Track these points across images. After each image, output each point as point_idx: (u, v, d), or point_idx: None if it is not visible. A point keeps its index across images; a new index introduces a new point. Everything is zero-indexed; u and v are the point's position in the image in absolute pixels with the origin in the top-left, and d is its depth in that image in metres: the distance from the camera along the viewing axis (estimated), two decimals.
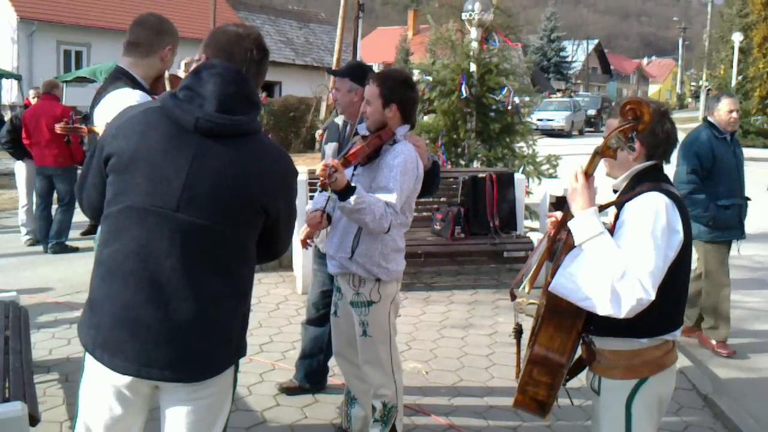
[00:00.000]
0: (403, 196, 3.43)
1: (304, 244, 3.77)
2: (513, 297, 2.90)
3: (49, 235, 8.86)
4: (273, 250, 2.50)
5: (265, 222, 2.31)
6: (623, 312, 2.38)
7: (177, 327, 2.17)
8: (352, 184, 3.26)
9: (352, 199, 3.20)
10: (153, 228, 2.17)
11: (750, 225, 11.09)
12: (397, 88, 3.51)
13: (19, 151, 9.05)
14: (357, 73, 4.05)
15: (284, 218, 2.39)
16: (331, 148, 4.32)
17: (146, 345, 2.16)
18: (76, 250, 8.87)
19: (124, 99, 3.11)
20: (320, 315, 4.54)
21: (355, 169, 3.54)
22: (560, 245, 2.66)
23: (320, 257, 4.43)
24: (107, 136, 2.27)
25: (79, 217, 10.66)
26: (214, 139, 2.18)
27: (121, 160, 2.20)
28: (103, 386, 2.26)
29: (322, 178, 3.17)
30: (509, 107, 8.74)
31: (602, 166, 2.65)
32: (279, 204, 2.32)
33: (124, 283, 2.18)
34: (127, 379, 2.21)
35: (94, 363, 2.24)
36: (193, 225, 2.17)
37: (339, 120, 4.38)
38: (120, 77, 3.32)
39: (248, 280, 2.37)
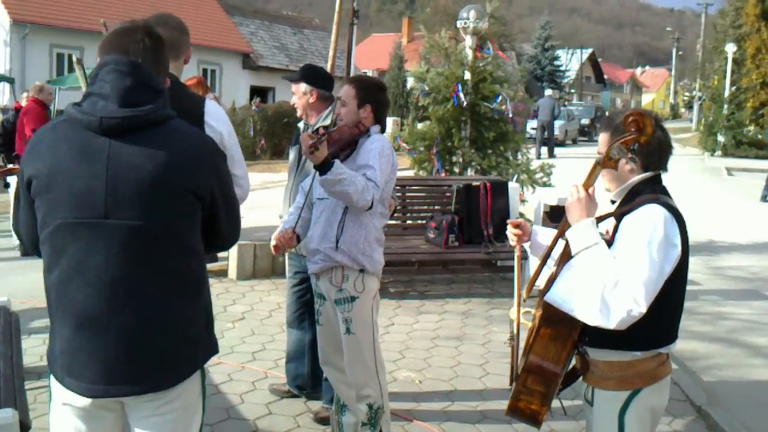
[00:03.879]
0: (382, 176, 3.51)
1: (277, 250, 3.83)
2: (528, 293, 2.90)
3: None
4: (218, 239, 2.41)
5: (202, 210, 2.24)
6: (612, 323, 2.37)
7: (133, 338, 2.12)
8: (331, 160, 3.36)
9: (332, 170, 3.29)
10: (88, 241, 2.11)
11: (744, 236, 11.22)
12: (372, 89, 3.72)
13: (10, 155, 8.99)
14: (311, 75, 4.32)
15: (221, 202, 2.30)
16: (294, 151, 4.46)
17: (107, 363, 2.12)
18: None
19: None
20: (297, 315, 4.63)
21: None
22: (559, 254, 2.65)
23: (292, 259, 4.56)
24: (24, 160, 2.22)
25: None
26: (124, 135, 2.11)
27: (41, 180, 2.14)
28: (70, 411, 2.23)
29: (309, 141, 3.26)
30: (507, 115, 8.74)
31: (601, 179, 2.64)
32: (209, 187, 2.22)
33: (73, 305, 2.14)
34: (92, 400, 2.17)
35: (60, 390, 2.22)
36: (127, 228, 2.10)
37: (301, 124, 4.52)
38: (181, 84, 3.14)
39: (199, 273, 2.28)
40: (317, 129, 4.20)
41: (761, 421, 4.84)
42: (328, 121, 4.27)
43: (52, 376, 2.25)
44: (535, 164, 9.12)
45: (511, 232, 2.93)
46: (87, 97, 2.17)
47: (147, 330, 2.13)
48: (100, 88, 2.14)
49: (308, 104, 4.31)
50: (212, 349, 2.35)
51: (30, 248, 2.34)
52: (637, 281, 2.36)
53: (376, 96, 3.70)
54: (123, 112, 2.10)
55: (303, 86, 4.30)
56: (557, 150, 24.93)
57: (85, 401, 2.18)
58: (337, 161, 3.37)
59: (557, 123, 31.97)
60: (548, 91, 26.74)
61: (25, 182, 2.19)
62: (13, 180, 9.23)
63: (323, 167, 3.31)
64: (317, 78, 4.32)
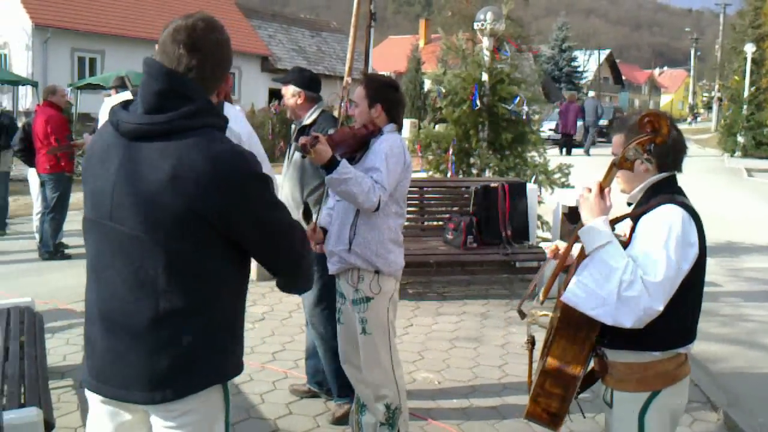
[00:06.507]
0: (390, 177, 3.52)
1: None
2: (522, 315, 2.91)
3: (42, 243, 8.95)
4: (272, 271, 2.26)
5: (221, 234, 2.04)
6: (629, 322, 2.37)
7: (120, 348, 2.07)
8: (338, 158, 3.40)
9: (338, 169, 3.33)
10: (99, 240, 2.11)
11: (764, 237, 11.11)
12: (382, 89, 3.73)
13: (31, 158, 9.08)
14: (298, 77, 4.48)
15: (249, 229, 2.08)
16: (290, 149, 4.60)
17: (100, 362, 2.11)
18: (68, 257, 8.88)
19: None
20: None
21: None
22: (576, 256, 2.66)
23: None
24: None
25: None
26: (141, 141, 2.01)
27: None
28: (95, 398, 2.21)
29: (303, 143, 3.32)
30: (523, 117, 8.73)
31: (616, 181, 2.65)
32: (221, 210, 2.00)
33: (88, 299, 2.17)
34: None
35: None
36: (127, 236, 2.03)
37: (294, 125, 4.67)
38: None
39: (206, 296, 2.07)
40: (300, 129, 4.42)
41: None
42: (309, 121, 4.43)
43: None
44: (552, 165, 9.10)
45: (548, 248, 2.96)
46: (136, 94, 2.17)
47: (137, 342, 2.05)
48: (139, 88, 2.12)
49: (296, 105, 4.47)
50: (226, 372, 2.17)
51: None
52: (653, 280, 2.36)
53: (386, 95, 3.71)
54: (138, 119, 2.03)
55: (291, 88, 4.46)
56: (576, 150, 25.06)
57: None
58: (344, 161, 3.41)
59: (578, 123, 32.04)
60: (591, 93, 27.68)
61: None
62: (33, 177, 9.32)
63: (329, 166, 3.35)
64: (305, 80, 4.48)
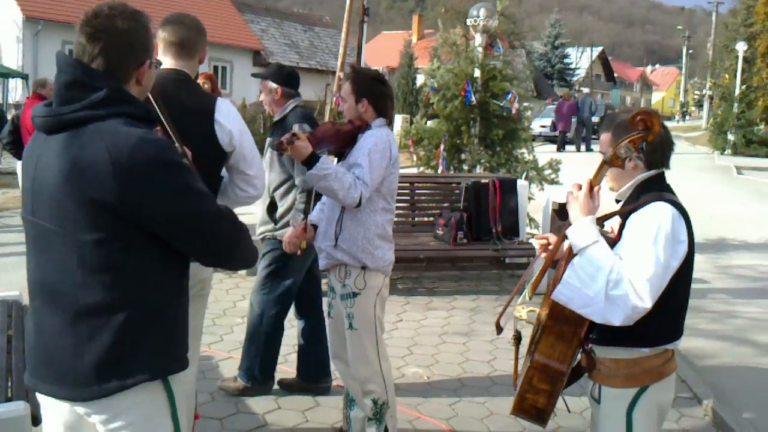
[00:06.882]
0: (373, 173, 3.52)
1: (292, 248, 3.88)
2: (499, 329, 2.91)
3: None
4: (203, 260, 2.21)
5: (134, 225, 1.99)
6: (618, 320, 2.38)
7: (47, 343, 2.06)
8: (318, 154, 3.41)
9: (317, 165, 3.35)
10: (29, 237, 2.12)
11: (753, 234, 11.18)
12: (368, 83, 3.72)
13: (20, 151, 9.02)
14: (276, 74, 4.57)
15: (169, 219, 2.02)
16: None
17: (34, 359, 2.12)
18: None
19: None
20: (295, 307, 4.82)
21: (338, 161, 3.68)
22: (564, 253, 2.67)
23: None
24: None
25: None
26: (54, 134, 2.02)
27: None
28: (41, 396, 2.19)
29: (280, 141, 3.34)
30: (514, 112, 8.75)
31: (605, 178, 2.66)
32: (122, 199, 1.94)
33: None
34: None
35: None
36: (47, 230, 2.03)
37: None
38: (193, 82, 3.18)
39: (127, 291, 2.02)
40: (274, 123, 4.52)
41: None
42: (281, 116, 4.50)
43: None
44: (543, 161, 9.11)
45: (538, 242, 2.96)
46: None
47: (59, 338, 2.03)
48: None
49: (273, 101, 4.54)
50: (149, 372, 2.07)
51: None
52: (641, 277, 2.36)
53: (371, 89, 3.70)
54: (45, 111, 2.04)
55: (269, 84, 4.52)
56: (567, 147, 25.17)
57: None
58: (323, 157, 3.42)
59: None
60: (585, 89, 28.17)
61: None
62: (21, 169, 9.29)
63: (309, 163, 3.37)
64: (282, 77, 4.54)
